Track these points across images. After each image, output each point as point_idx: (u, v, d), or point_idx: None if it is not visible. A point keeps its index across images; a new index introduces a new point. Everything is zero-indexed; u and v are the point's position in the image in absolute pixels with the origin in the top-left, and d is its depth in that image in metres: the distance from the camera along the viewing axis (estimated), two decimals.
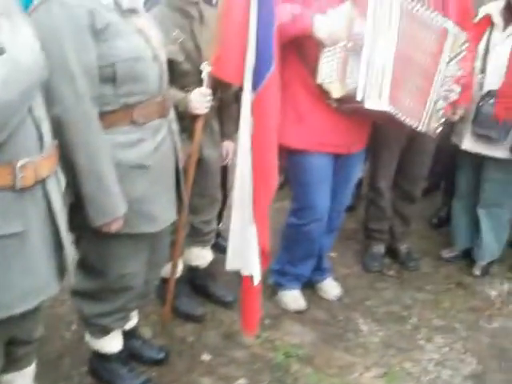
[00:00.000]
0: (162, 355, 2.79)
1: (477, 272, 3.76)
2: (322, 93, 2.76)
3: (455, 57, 2.84)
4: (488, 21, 3.44)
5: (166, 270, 2.81)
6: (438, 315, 3.34)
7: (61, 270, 1.88)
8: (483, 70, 3.41)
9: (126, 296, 2.41)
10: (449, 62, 2.83)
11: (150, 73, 2.12)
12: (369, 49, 2.61)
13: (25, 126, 1.64)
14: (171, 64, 2.40)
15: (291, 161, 2.99)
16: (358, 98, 2.62)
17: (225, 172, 3.32)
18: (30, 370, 2.12)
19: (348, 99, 2.71)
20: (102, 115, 2.03)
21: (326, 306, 3.35)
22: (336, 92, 2.72)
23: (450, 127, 3.51)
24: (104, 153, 2.01)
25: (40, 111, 1.71)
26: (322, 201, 3.02)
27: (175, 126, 2.36)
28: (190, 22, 2.67)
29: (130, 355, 2.68)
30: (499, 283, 3.71)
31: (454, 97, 2.98)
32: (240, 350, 2.93)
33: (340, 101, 2.76)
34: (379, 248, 3.81)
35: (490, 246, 3.73)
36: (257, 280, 2.55)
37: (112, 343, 2.55)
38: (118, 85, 2.03)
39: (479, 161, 3.57)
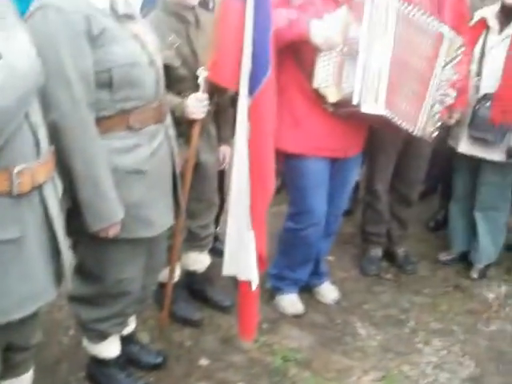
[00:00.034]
0: (159, 360, 2.79)
1: (474, 275, 3.77)
2: (319, 97, 2.77)
3: (451, 61, 2.85)
4: (483, 24, 3.45)
5: (163, 275, 2.81)
6: (436, 318, 3.35)
7: (58, 276, 1.88)
8: (479, 73, 3.42)
9: (123, 301, 2.40)
10: (444, 67, 2.84)
11: (147, 78, 2.12)
12: (365, 53, 2.62)
13: (21, 132, 1.64)
14: (167, 69, 2.41)
15: (288, 165, 3.00)
16: (354, 102, 2.63)
17: (222, 176, 3.32)
18: (28, 377, 2.11)
19: (344, 103, 2.71)
20: (99, 121, 2.03)
21: (323, 310, 3.35)
22: (332, 96, 2.73)
23: (447, 130, 3.52)
24: (101, 158, 2.01)
25: (36, 117, 1.71)
26: (319, 205, 3.02)
27: (172, 132, 2.36)
28: (186, 27, 2.67)
29: (127, 360, 2.68)
30: (496, 286, 3.71)
31: (449, 101, 2.99)
32: (238, 355, 2.92)
33: (336, 105, 2.76)
34: (376, 251, 3.81)
35: (487, 249, 3.74)
36: (255, 285, 2.55)
37: (110, 348, 2.55)
38: (115, 90, 2.03)
39: (476, 164, 3.57)
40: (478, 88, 3.42)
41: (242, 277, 2.57)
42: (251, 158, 2.48)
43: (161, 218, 2.31)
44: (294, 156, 2.93)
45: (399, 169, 3.56)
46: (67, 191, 2.01)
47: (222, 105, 2.91)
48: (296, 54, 2.78)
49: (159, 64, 2.22)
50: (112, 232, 2.11)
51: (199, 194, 2.87)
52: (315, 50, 2.68)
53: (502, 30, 3.38)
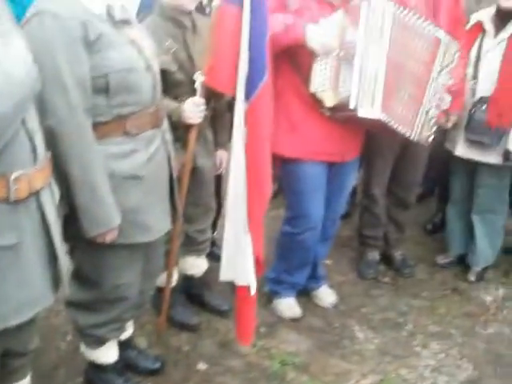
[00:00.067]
0: (157, 365, 2.78)
1: (472, 278, 3.77)
2: (315, 101, 2.78)
3: (447, 66, 2.86)
4: (479, 28, 3.46)
5: (161, 280, 2.81)
6: (434, 321, 3.35)
7: (55, 281, 1.88)
8: (475, 77, 3.43)
9: (121, 306, 2.40)
10: (441, 71, 2.85)
11: (143, 83, 2.12)
12: (361, 57, 2.62)
13: (18, 139, 1.64)
14: (164, 74, 2.41)
15: (285, 170, 3.00)
16: (351, 107, 2.63)
17: (219, 181, 3.32)
18: (25, 383, 2.11)
19: (341, 107, 2.72)
20: (95, 126, 2.03)
21: (321, 314, 3.35)
22: (329, 101, 2.73)
23: (444, 134, 3.53)
24: (97, 164, 2.01)
25: (33, 123, 1.71)
26: (316, 209, 3.03)
27: (169, 136, 2.36)
28: (183, 32, 2.68)
29: (125, 365, 2.68)
30: (494, 289, 3.71)
31: (444, 106, 3.01)
32: (236, 359, 2.92)
33: (333, 109, 2.77)
34: (374, 255, 3.82)
35: (485, 251, 3.74)
36: (253, 289, 2.55)
37: (107, 354, 2.55)
38: (111, 96, 2.03)
39: (473, 167, 3.58)
40: (474, 91, 3.43)
41: (239, 282, 2.57)
42: (248, 163, 2.48)
43: (158, 222, 2.31)
44: (291, 160, 2.93)
45: (396, 173, 3.57)
46: (64, 197, 2.01)
47: (219, 110, 2.91)
48: (292, 59, 2.79)
49: (156, 69, 2.22)
50: (109, 237, 2.11)
51: (196, 198, 2.87)
52: (312, 55, 2.69)
53: (497, 33, 3.39)
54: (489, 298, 3.61)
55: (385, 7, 2.66)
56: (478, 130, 3.39)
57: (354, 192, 4.17)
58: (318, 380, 2.82)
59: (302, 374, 2.85)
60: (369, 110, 2.66)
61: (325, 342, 3.11)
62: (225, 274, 2.67)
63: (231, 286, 2.77)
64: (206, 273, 3.21)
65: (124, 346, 2.67)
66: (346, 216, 4.04)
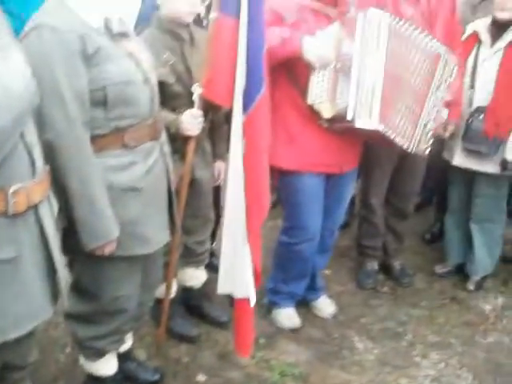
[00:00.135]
0: (157, 377, 2.77)
1: (471, 287, 3.77)
2: (313, 113, 2.79)
3: (446, 80, 2.89)
4: (475, 38, 3.48)
5: (160, 291, 2.81)
6: (433, 331, 3.34)
7: (54, 294, 1.88)
8: (472, 86, 3.44)
9: (120, 318, 2.40)
10: (439, 85, 2.87)
11: (141, 96, 2.13)
12: (358, 69, 2.64)
13: (17, 152, 1.65)
14: (162, 86, 2.41)
15: (283, 181, 3.01)
16: (349, 118, 2.64)
17: (217, 192, 3.32)
18: None
19: (339, 119, 2.73)
20: (93, 139, 2.03)
21: (320, 324, 3.34)
22: (327, 112, 2.74)
23: (441, 143, 3.54)
24: (96, 177, 2.02)
25: (32, 137, 1.72)
26: (314, 221, 3.03)
27: (167, 148, 2.37)
28: (181, 45, 2.69)
29: (124, 377, 2.67)
30: (493, 297, 3.71)
31: (441, 119, 3.03)
32: (235, 371, 2.91)
33: (331, 121, 2.78)
34: (373, 265, 3.82)
35: (483, 260, 3.74)
36: (253, 301, 2.55)
37: (107, 366, 2.54)
38: (109, 108, 2.04)
39: (470, 176, 3.59)
40: (471, 101, 3.44)
41: (237, 295, 2.57)
42: (246, 175, 2.49)
43: (157, 234, 2.32)
44: (289, 172, 2.94)
45: (394, 183, 3.57)
46: (63, 210, 2.02)
47: (217, 121, 2.92)
48: (289, 71, 2.80)
49: (154, 81, 2.23)
50: (108, 250, 2.11)
51: (195, 210, 2.87)
52: (309, 67, 2.70)
53: (493, 43, 3.41)
54: (488, 307, 3.61)
55: (381, 18, 2.67)
56: (476, 140, 3.40)
57: (352, 202, 4.17)
58: None
59: None
60: (366, 121, 2.67)
61: (324, 353, 3.10)
62: (222, 287, 2.67)
63: (230, 298, 2.77)
64: (205, 284, 3.21)
65: (123, 358, 2.66)
66: (344, 226, 4.04)
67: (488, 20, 3.45)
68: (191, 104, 2.61)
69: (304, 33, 2.69)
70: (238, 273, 2.56)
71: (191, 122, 2.60)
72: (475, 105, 3.42)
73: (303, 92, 2.76)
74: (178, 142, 2.61)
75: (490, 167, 3.45)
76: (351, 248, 4.09)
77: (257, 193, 2.52)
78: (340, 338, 3.24)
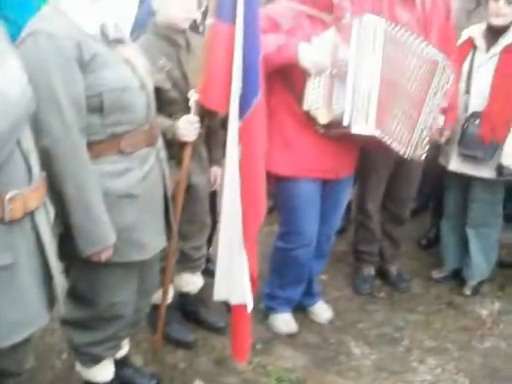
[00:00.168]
0: (153, 383, 2.76)
1: (467, 292, 3.77)
2: (309, 119, 2.79)
3: (442, 87, 2.90)
4: (471, 43, 3.49)
5: (156, 297, 2.80)
6: (430, 336, 3.34)
7: (51, 300, 1.88)
8: (468, 91, 3.46)
9: (116, 324, 2.40)
10: (436, 92, 2.88)
11: (138, 102, 2.13)
12: (353, 74, 2.64)
13: (13, 159, 1.65)
14: (158, 92, 2.42)
15: (279, 187, 3.01)
16: (345, 124, 2.65)
17: (214, 197, 3.33)
18: None
19: (335, 125, 2.73)
20: (90, 145, 2.03)
21: (317, 330, 3.34)
22: (323, 118, 2.75)
23: (437, 148, 3.54)
24: (92, 183, 2.02)
25: (28, 143, 1.72)
26: (310, 226, 3.03)
27: (163, 154, 2.37)
28: (177, 50, 2.70)
29: None
30: (490, 302, 3.71)
31: (437, 126, 3.05)
32: (232, 376, 2.91)
33: (327, 127, 2.78)
34: (369, 270, 3.82)
35: (480, 265, 3.75)
36: (250, 307, 2.55)
37: (103, 372, 2.53)
38: (106, 115, 2.04)
39: (466, 181, 3.60)
40: (466, 106, 3.46)
41: (233, 301, 2.57)
42: (243, 181, 2.49)
43: (153, 240, 2.31)
44: (285, 178, 2.94)
45: (390, 188, 3.58)
46: (59, 216, 2.01)
47: (213, 127, 2.93)
48: (285, 78, 2.81)
49: (150, 87, 2.23)
50: (104, 256, 2.11)
51: (191, 215, 2.87)
52: (304, 73, 2.71)
53: (488, 48, 3.42)
54: (485, 312, 3.61)
55: (376, 24, 2.68)
56: (472, 145, 3.41)
57: (348, 207, 4.17)
58: None
59: None
60: (363, 126, 2.67)
61: (321, 358, 3.10)
62: (218, 294, 2.67)
63: (227, 304, 2.77)
64: (202, 289, 3.21)
65: (120, 364, 2.65)
66: (341, 231, 4.04)
67: (483, 26, 3.47)
68: (187, 110, 2.61)
69: (300, 39, 2.70)
70: (235, 279, 2.56)
71: (187, 127, 2.60)
72: (471, 110, 3.43)
73: (299, 98, 2.77)
74: (174, 147, 2.61)
75: (486, 172, 3.46)
76: (348, 253, 4.09)
77: (253, 199, 2.53)
78: (337, 344, 3.24)
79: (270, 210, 3.43)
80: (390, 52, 2.72)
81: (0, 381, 1.95)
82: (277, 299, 3.28)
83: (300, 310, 3.40)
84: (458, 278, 3.87)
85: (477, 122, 3.39)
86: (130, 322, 2.48)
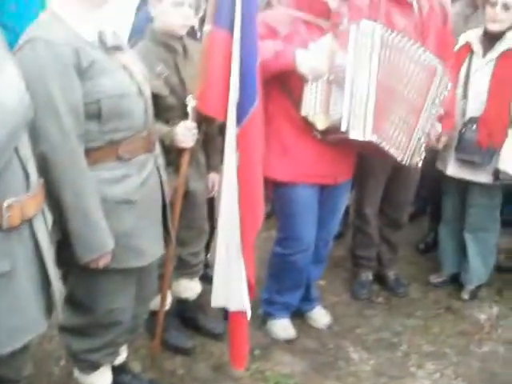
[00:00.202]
0: None
1: (465, 296, 3.77)
2: (307, 125, 2.80)
3: (440, 95, 2.91)
4: (468, 48, 3.51)
5: (154, 303, 2.80)
6: (428, 341, 3.34)
7: (49, 307, 1.88)
8: (465, 96, 3.47)
9: (114, 331, 2.39)
10: (434, 100, 2.89)
11: (135, 108, 2.14)
12: (351, 80, 2.65)
13: (11, 166, 1.65)
14: (155, 98, 2.41)
15: (277, 192, 3.01)
16: (343, 129, 2.65)
17: (211, 203, 3.33)
18: None
19: (333, 130, 2.74)
20: (88, 152, 2.03)
21: (315, 335, 3.34)
22: (320, 124, 2.75)
23: (435, 153, 3.55)
24: (90, 189, 2.02)
25: (26, 150, 1.72)
26: (308, 232, 3.03)
27: (161, 160, 2.37)
28: (174, 57, 2.70)
29: None
30: (488, 307, 3.71)
31: (435, 133, 3.06)
32: (230, 382, 2.90)
33: (325, 132, 2.79)
34: (367, 275, 3.81)
35: (478, 270, 3.75)
36: (249, 314, 2.55)
37: (101, 379, 2.52)
38: (104, 121, 2.04)
39: (464, 186, 3.61)
40: (464, 111, 3.46)
41: (232, 308, 2.57)
42: (240, 187, 2.49)
43: (151, 247, 2.31)
44: (283, 184, 2.94)
45: (388, 193, 3.59)
46: (57, 223, 2.02)
47: (211, 133, 2.93)
48: (283, 83, 2.81)
49: (148, 94, 2.23)
50: (102, 262, 2.10)
51: (189, 221, 2.87)
52: (302, 79, 2.72)
53: (485, 53, 3.44)
54: (483, 317, 3.61)
55: (374, 30, 2.69)
56: (469, 150, 3.42)
57: (346, 212, 4.17)
58: None
59: None
60: (360, 132, 2.68)
61: (320, 364, 3.10)
62: (216, 301, 2.67)
63: (224, 311, 2.77)
64: (200, 296, 3.20)
65: (118, 370, 2.65)
66: (338, 236, 4.03)
67: (480, 31, 3.48)
68: (185, 116, 2.62)
69: (297, 45, 2.70)
70: (233, 285, 2.56)
71: (185, 134, 2.60)
72: (468, 115, 3.44)
73: (297, 104, 2.77)
74: (172, 154, 2.62)
75: (483, 177, 3.47)
76: (345, 258, 4.09)
77: (251, 205, 2.53)
78: (335, 349, 3.24)
79: (268, 216, 3.44)
80: (387, 58, 2.73)
81: None
82: (275, 305, 3.28)
83: (298, 315, 3.39)
84: (456, 282, 3.87)
85: (474, 127, 3.40)
86: (128, 328, 2.48)
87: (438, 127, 3.13)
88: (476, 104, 3.42)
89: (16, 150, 1.66)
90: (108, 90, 2.02)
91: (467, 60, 3.49)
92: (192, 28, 2.91)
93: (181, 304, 3.20)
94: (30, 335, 1.80)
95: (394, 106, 2.80)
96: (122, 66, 2.13)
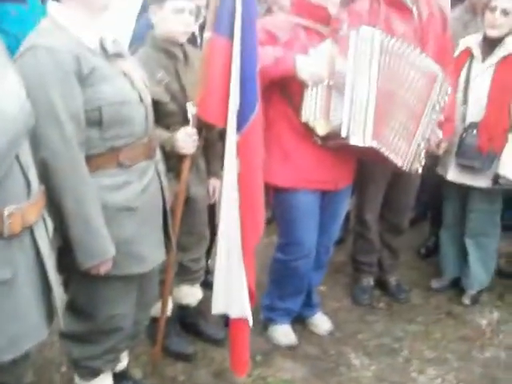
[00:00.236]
0: None
1: (466, 301, 3.77)
2: (307, 130, 2.80)
3: (440, 101, 2.91)
4: (468, 53, 3.51)
5: (155, 309, 2.79)
6: (430, 346, 3.34)
7: (50, 314, 1.87)
8: (465, 102, 3.47)
9: (115, 337, 2.39)
10: (435, 106, 2.90)
11: (136, 115, 2.14)
12: (351, 86, 2.66)
13: (12, 173, 1.65)
14: (156, 104, 2.42)
15: (278, 198, 3.01)
16: (343, 135, 2.66)
17: (212, 209, 3.33)
18: None
19: (333, 136, 2.75)
20: (88, 158, 2.04)
21: (316, 341, 3.33)
22: (321, 129, 2.76)
23: (435, 158, 3.55)
24: (91, 196, 2.02)
25: (27, 157, 1.72)
26: (309, 237, 3.03)
27: (162, 167, 2.38)
28: (175, 63, 2.71)
29: None
30: (489, 312, 3.71)
31: (435, 139, 3.06)
32: None
33: (325, 138, 2.79)
34: (368, 281, 3.81)
35: (479, 275, 3.75)
36: (251, 321, 2.55)
37: None
38: (105, 128, 2.05)
39: (464, 191, 3.61)
40: (464, 116, 3.47)
41: (233, 315, 2.57)
42: (241, 194, 2.49)
43: (152, 253, 2.31)
44: (284, 189, 2.94)
45: (388, 198, 3.59)
46: (58, 229, 2.01)
47: (211, 139, 2.93)
48: (283, 89, 2.82)
49: (148, 100, 2.24)
50: (103, 269, 2.10)
51: (190, 227, 2.87)
52: (302, 85, 2.72)
53: (485, 58, 3.44)
54: (484, 322, 3.61)
55: (373, 36, 2.70)
56: (469, 155, 3.43)
57: (347, 218, 4.17)
58: None
59: None
60: (360, 138, 2.68)
61: (321, 370, 3.09)
62: (217, 308, 2.67)
63: (225, 318, 2.76)
64: (201, 302, 3.20)
65: (119, 377, 2.64)
66: (339, 242, 4.03)
67: (479, 36, 3.49)
68: (185, 122, 2.62)
69: (297, 51, 2.71)
70: (234, 292, 2.56)
71: (186, 140, 2.61)
72: (468, 120, 3.44)
73: (297, 109, 2.78)
74: (172, 160, 2.62)
75: (483, 182, 3.47)
76: (346, 264, 4.09)
77: (252, 211, 2.53)
78: (336, 355, 3.23)
79: (269, 221, 3.44)
80: (386, 64, 2.74)
81: None
82: (276, 310, 3.27)
83: (299, 321, 3.39)
84: (457, 287, 3.87)
85: (474, 132, 3.40)
86: (129, 334, 2.48)
87: (439, 133, 3.15)
88: (476, 109, 3.43)
89: (17, 157, 1.67)
90: (109, 97, 2.03)
91: (467, 65, 3.50)
92: (192, 35, 2.92)
93: (182, 310, 3.20)
94: (31, 342, 1.80)
95: (394, 112, 2.80)
96: (123, 73, 2.13)
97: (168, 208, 2.43)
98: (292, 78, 2.70)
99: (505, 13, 3.30)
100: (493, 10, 3.32)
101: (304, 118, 2.77)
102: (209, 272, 3.44)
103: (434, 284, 3.94)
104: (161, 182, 2.35)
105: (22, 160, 1.69)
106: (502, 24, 3.33)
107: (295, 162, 2.89)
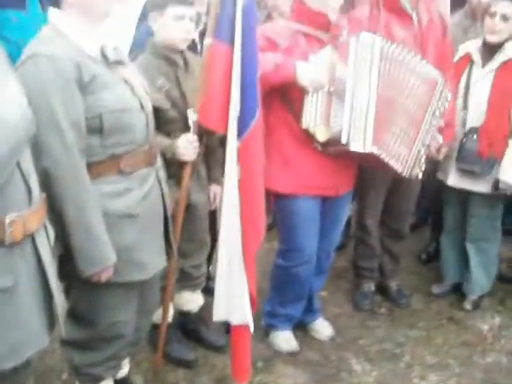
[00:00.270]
0: None
1: (468, 306, 3.76)
2: (308, 137, 2.81)
3: (440, 107, 2.92)
4: (468, 58, 3.52)
5: (156, 316, 2.79)
6: (431, 352, 3.33)
7: (51, 321, 1.87)
8: (465, 107, 3.48)
9: (117, 344, 2.39)
10: (435, 112, 2.90)
11: (137, 122, 2.14)
12: (351, 92, 2.66)
13: (13, 181, 1.65)
14: (156, 111, 2.42)
15: (279, 204, 3.01)
16: (343, 141, 2.66)
17: (213, 216, 3.33)
18: None
19: (333, 142, 2.75)
20: (89, 166, 2.04)
21: (318, 347, 3.32)
22: (321, 136, 2.76)
23: (436, 163, 3.56)
24: (92, 204, 2.02)
25: (28, 165, 1.73)
26: (310, 243, 3.03)
27: (162, 174, 2.38)
28: (175, 70, 2.71)
29: None
30: (490, 317, 3.70)
31: (435, 145, 3.06)
32: None
33: (325, 144, 2.80)
34: (369, 286, 3.81)
35: (480, 280, 3.75)
36: (252, 328, 2.55)
37: None
38: (105, 136, 2.05)
39: (465, 196, 3.61)
40: (464, 121, 3.47)
41: (234, 321, 2.57)
42: (242, 200, 2.50)
43: (153, 260, 2.31)
44: (285, 195, 2.95)
45: (389, 204, 3.59)
46: (59, 237, 2.01)
47: (211, 146, 2.94)
48: (284, 96, 2.82)
49: (149, 107, 2.25)
50: (104, 276, 2.11)
51: (191, 233, 2.87)
52: (303, 91, 2.73)
53: (485, 64, 3.45)
54: (485, 327, 3.60)
55: (373, 42, 2.70)
56: (469, 160, 3.43)
57: (348, 223, 4.17)
58: None
59: None
60: (360, 144, 2.68)
61: (322, 376, 3.09)
62: (218, 315, 2.67)
63: (226, 325, 2.76)
64: (202, 308, 3.19)
65: None
66: (340, 247, 4.03)
67: (479, 42, 3.50)
68: (186, 128, 2.62)
69: (297, 57, 2.72)
70: (235, 299, 2.55)
71: (187, 147, 2.61)
72: (468, 125, 3.45)
73: (297, 116, 2.78)
74: (173, 166, 2.62)
75: (483, 187, 3.48)
76: (347, 269, 4.08)
77: (252, 217, 2.53)
78: (338, 361, 3.23)
79: (270, 227, 3.44)
80: (387, 70, 2.75)
81: None
82: (277, 317, 3.27)
83: (300, 327, 3.39)
84: (458, 292, 3.86)
85: (474, 137, 3.41)
86: (131, 341, 2.47)
87: (439, 138, 3.15)
88: (476, 114, 3.43)
89: (18, 165, 1.67)
90: (109, 104, 2.03)
91: (467, 71, 3.51)
92: (193, 41, 2.92)
93: (183, 316, 3.19)
94: (33, 350, 1.80)
95: (394, 118, 2.81)
96: (124, 81, 2.14)
97: (169, 215, 2.44)
98: (292, 85, 2.71)
99: (504, 18, 3.31)
100: (492, 15, 3.33)
101: (304, 125, 2.77)
102: (210, 278, 3.45)
103: (435, 289, 3.93)
104: (162, 189, 2.35)
105: (23, 167, 1.69)
106: (502, 29, 3.34)
107: (296, 168, 2.90)
